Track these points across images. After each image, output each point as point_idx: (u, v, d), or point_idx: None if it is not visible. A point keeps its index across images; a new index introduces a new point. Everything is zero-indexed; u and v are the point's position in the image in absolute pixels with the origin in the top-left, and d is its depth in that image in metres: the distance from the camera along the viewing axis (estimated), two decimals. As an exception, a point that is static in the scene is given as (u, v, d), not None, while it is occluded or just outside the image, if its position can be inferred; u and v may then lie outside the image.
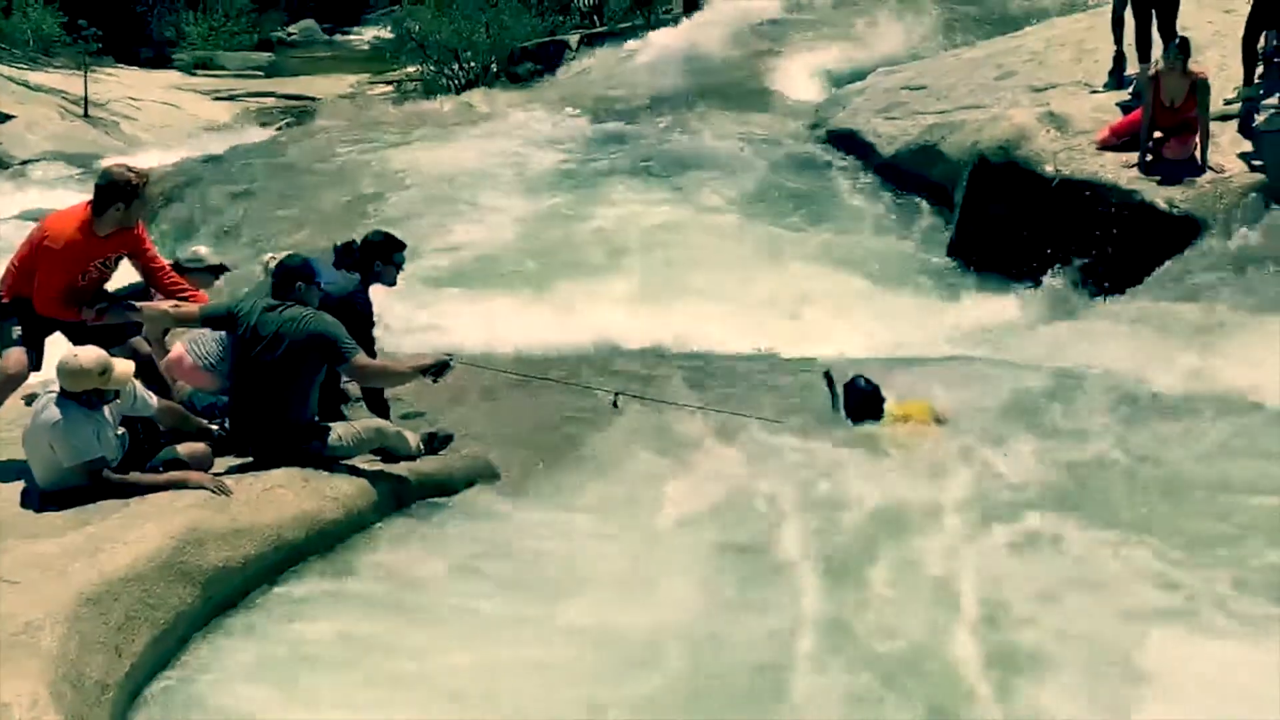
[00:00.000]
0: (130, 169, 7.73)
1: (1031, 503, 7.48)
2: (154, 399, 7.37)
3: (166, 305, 7.81)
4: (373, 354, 8.49)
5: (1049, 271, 11.44)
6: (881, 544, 7.09)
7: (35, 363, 7.71)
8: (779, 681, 5.91)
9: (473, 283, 12.43)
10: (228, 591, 6.44)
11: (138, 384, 7.26)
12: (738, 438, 8.49)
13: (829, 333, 11.14)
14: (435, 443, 8.21)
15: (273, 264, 8.97)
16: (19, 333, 7.66)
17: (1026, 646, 6.10)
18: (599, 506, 7.72)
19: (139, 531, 6.28)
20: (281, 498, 7.00)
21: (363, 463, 7.72)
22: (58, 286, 7.54)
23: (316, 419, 7.61)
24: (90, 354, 6.90)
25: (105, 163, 18.45)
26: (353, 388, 8.50)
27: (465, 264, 12.80)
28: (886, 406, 8.74)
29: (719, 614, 6.47)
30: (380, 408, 8.40)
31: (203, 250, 9.35)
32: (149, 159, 19.33)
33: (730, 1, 23.17)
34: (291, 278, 7.61)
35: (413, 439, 8.00)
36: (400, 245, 8.78)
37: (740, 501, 7.72)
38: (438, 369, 7.67)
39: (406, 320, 11.54)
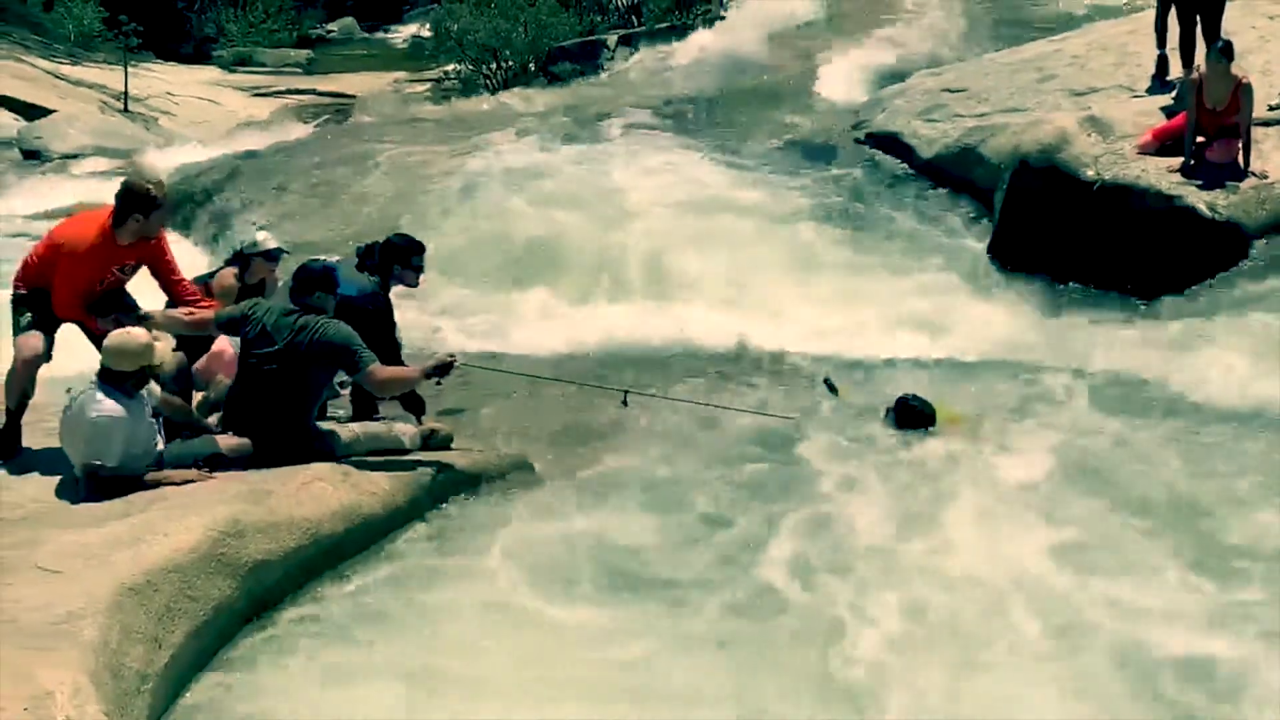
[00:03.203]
0: (150, 181, 7.80)
1: (1066, 513, 7.44)
2: (157, 389, 7.40)
3: (180, 312, 7.85)
4: (398, 355, 8.54)
5: (1090, 276, 11.37)
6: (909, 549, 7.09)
7: (47, 352, 7.74)
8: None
9: (511, 280, 12.45)
10: (267, 584, 6.46)
11: None
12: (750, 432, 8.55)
13: (864, 333, 11.15)
14: (434, 440, 8.19)
15: (263, 241, 9.06)
16: (27, 319, 7.68)
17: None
18: (632, 501, 7.73)
19: (180, 523, 6.30)
20: (321, 491, 7.03)
21: (400, 457, 7.79)
22: (76, 291, 7.61)
23: (315, 421, 7.64)
24: (140, 333, 6.98)
25: (140, 159, 18.73)
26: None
27: (502, 261, 12.81)
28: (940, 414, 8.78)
29: (766, 610, 6.47)
30: (368, 406, 8.41)
31: (260, 235, 9.40)
32: (188, 154, 19.49)
33: (769, 2, 23.10)
34: (310, 284, 7.67)
35: (409, 436, 8.01)
36: (419, 249, 8.82)
37: (760, 492, 7.76)
38: (442, 370, 7.78)
39: (435, 318, 11.60)
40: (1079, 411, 9.02)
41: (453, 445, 8.24)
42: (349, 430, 7.79)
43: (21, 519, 6.65)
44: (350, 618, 6.36)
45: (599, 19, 27.87)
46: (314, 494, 7.00)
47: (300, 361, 7.47)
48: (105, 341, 7.06)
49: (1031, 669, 5.96)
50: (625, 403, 8.95)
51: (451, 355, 8.02)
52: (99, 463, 6.88)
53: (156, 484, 6.97)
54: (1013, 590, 6.57)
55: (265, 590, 6.44)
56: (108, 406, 6.88)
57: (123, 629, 5.48)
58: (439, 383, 7.87)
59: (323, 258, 9.46)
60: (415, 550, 7.07)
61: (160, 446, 7.27)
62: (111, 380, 6.95)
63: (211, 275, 9.15)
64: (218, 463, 7.26)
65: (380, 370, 7.65)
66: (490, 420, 9.19)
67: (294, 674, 5.86)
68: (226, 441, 7.44)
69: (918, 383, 9.54)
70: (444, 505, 7.57)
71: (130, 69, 27.40)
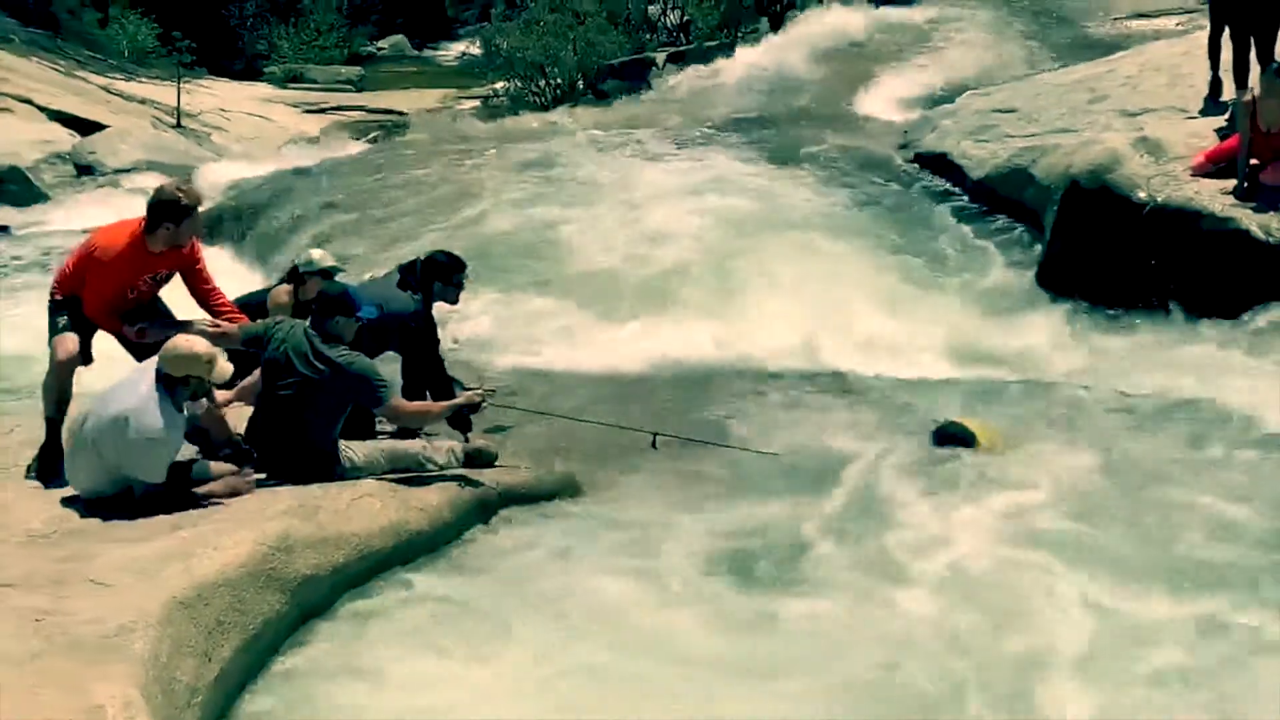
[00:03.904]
0: (180, 189, 7.81)
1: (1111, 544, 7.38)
2: (202, 402, 7.45)
3: (206, 324, 7.85)
4: (442, 371, 8.55)
5: (1141, 298, 11.29)
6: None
7: (84, 357, 7.78)
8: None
9: (558, 296, 12.47)
10: (315, 599, 6.49)
11: None
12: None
13: (912, 353, 11.12)
14: (479, 458, 8.16)
15: (318, 259, 9.10)
16: (64, 322, 7.73)
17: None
18: (679, 522, 7.71)
19: (231, 537, 6.33)
20: (369, 507, 7.06)
21: (449, 474, 7.81)
22: (106, 297, 7.65)
23: (337, 443, 7.62)
24: (204, 342, 7.05)
25: (194, 175, 18.89)
26: None
27: (549, 277, 12.84)
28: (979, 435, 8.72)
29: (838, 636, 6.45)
30: (366, 427, 8.31)
31: (315, 254, 9.44)
32: (239, 170, 19.65)
33: (817, 21, 23.09)
34: (329, 309, 7.64)
35: (443, 455, 7.97)
36: (460, 266, 8.83)
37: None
38: (471, 408, 7.86)
39: (486, 335, 11.63)
40: (1127, 435, 8.93)
41: (497, 463, 8.23)
42: (371, 449, 7.75)
43: (72, 532, 6.70)
44: (396, 632, 6.37)
45: (647, 37, 27.94)
46: (362, 509, 7.04)
47: (317, 390, 7.47)
48: (167, 345, 7.08)
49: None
50: (654, 445, 8.86)
51: (480, 394, 8.06)
52: (148, 480, 6.90)
53: (205, 499, 7.00)
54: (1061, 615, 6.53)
55: (314, 604, 6.47)
56: (155, 423, 6.86)
57: (173, 643, 5.51)
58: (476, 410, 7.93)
59: (368, 275, 9.56)
60: (461, 567, 7.07)
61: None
62: (169, 385, 6.98)
63: (265, 292, 9.21)
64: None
65: (402, 405, 7.70)
66: (534, 438, 9.16)
67: (341, 687, 5.87)
68: (218, 467, 7.38)
69: (964, 403, 9.50)
70: (491, 522, 7.59)
71: (183, 85, 27.63)
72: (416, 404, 7.93)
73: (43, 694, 4.90)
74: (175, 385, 7.01)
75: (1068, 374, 10.43)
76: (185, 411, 7.14)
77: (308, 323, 7.69)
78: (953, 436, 8.72)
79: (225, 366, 7.13)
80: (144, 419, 6.87)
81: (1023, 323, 11.58)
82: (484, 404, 8.10)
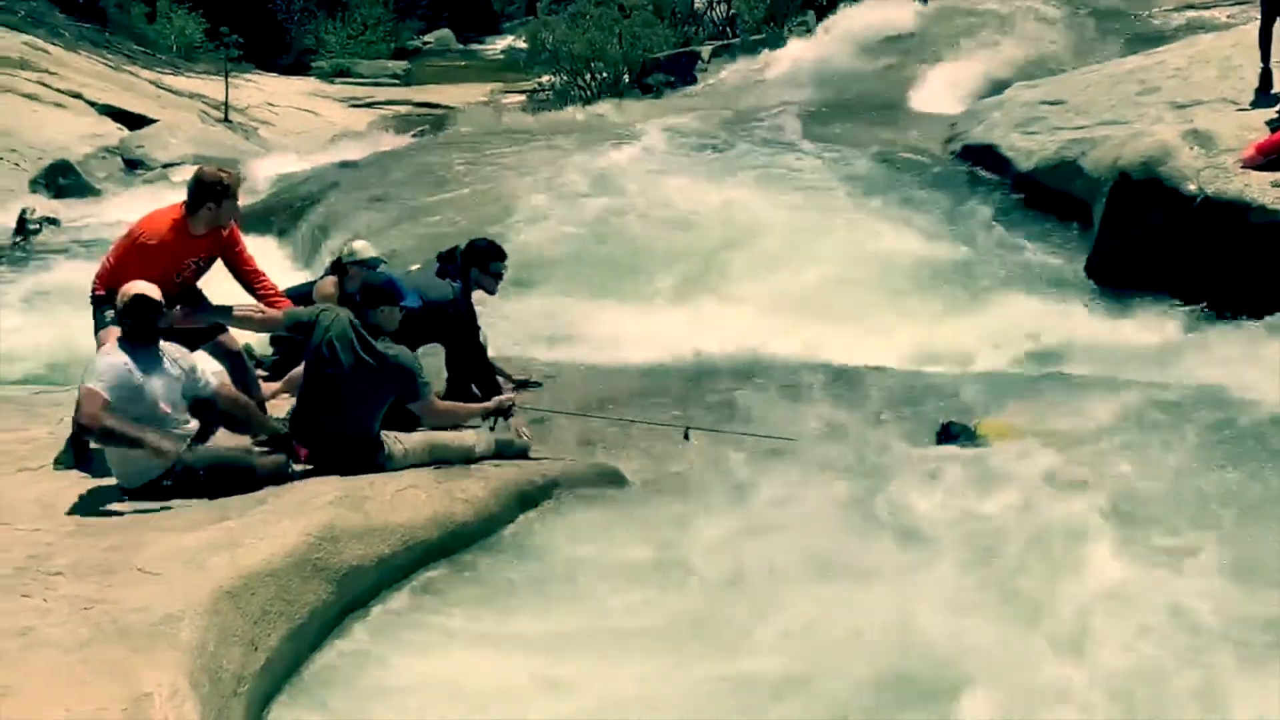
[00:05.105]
0: (221, 170, 7.84)
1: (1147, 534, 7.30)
2: (214, 380, 7.44)
3: (250, 310, 7.90)
4: (484, 359, 8.55)
5: (1190, 291, 11.20)
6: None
7: None
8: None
9: (602, 288, 12.48)
10: (360, 590, 6.50)
11: (200, 364, 7.40)
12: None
13: (956, 347, 11.06)
14: (511, 449, 8.17)
15: (360, 250, 9.13)
16: (110, 315, 7.76)
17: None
18: (720, 512, 7.69)
19: (277, 527, 6.36)
20: (414, 498, 7.08)
21: (493, 465, 7.82)
22: (151, 281, 7.60)
23: (380, 433, 7.63)
24: (142, 283, 7.10)
25: (244, 167, 18.99)
26: None
27: (593, 269, 12.86)
28: (985, 430, 8.63)
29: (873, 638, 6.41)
30: (410, 417, 8.22)
31: (359, 245, 9.47)
32: (286, 164, 19.77)
33: (863, 14, 23.02)
34: (374, 299, 7.63)
35: (482, 446, 7.97)
36: (500, 255, 8.80)
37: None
38: (501, 412, 7.97)
39: (527, 326, 11.64)
40: (1169, 429, 8.82)
41: (542, 455, 8.22)
42: (411, 440, 7.74)
43: (119, 522, 6.74)
44: (442, 622, 6.39)
45: (693, 31, 27.92)
46: (408, 500, 7.05)
47: (359, 380, 7.47)
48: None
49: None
50: (687, 437, 8.75)
51: (511, 399, 8.10)
52: (82, 386, 6.85)
53: (147, 446, 6.85)
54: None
55: (358, 595, 6.48)
56: (112, 353, 6.96)
57: (220, 632, 5.53)
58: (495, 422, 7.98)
59: (413, 266, 9.56)
60: (505, 558, 7.08)
61: (191, 426, 7.21)
62: (127, 335, 7.06)
63: (311, 285, 9.25)
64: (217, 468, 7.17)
65: (437, 404, 7.75)
66: (575, 429, 9.12)
67: (388, 677, 5.89)
68: (263, 461, 7.34)
69: (1005, 398, 9.41)
70: (537, 512, 7.58)
71: (231, 79, 27.83)
72: (448, 404, 7.93)
73: (91, 681, 4.94)
74: (131, 332, 7.05)
75: (1114, 366, 10.33)
76: (161, 361, 7.09)
77: (352, 312, 7.70)
78: (955, 436, 8.63)
79: (147, 288, 7.07)
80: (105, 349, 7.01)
81: (1070, 316, 11.49)
82: (514, 408, 8.11)
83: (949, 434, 8.61)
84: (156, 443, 6.82)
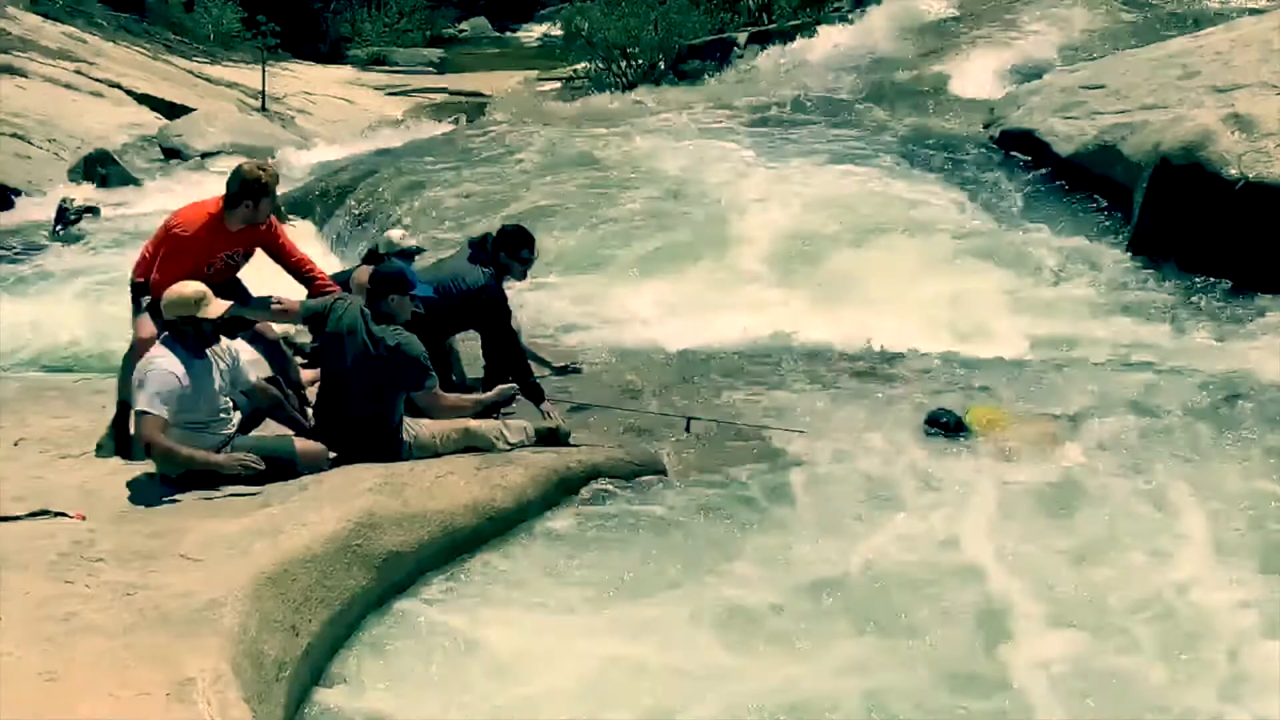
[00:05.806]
0: (260, 167, 7.83)
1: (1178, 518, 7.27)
2: (253, 375, 7.52)
3: (269, 303, 7.88)
4: (516, 344, 8.55)
5: (1232, 276, 11.13)
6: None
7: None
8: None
9: (638, 274, 12.47)
10: (399, 576, 6.53)
11: (243, 355, 7.50)
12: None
13: (994, 333, 10.99)
14: (554, 437, 8.12)
15: (397, 239, 9.16)
16: (147, 302, 7.79)
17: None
18: (761, 501, 7.68)
19: (317, 514, 6.40)
20: (453, 485, 7.10)
21: (531, 452, 7.81)
22: (180, 275, 7.52)
23: (401, 421, 7.62)
24: (194, 284, 7.18)
25: (279, 155, 19.07)
26: None
27: (628, 255, 12.85)
28: (972, 418, 8.59)
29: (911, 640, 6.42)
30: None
31: (395, 234, 9.47)
32: (324, 153, 19.83)
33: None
34: (385, 288, 7.61)
35: (516, 434, 7.96)
36: (529, 241, 8.76)
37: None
38: (504, 402, 7.96)
39: (561, 313, 11.64)
40: (1206, 415, 8.75)
41: (570, 441, 8.21)
42: (442, 428, 7.74)
43: (162, 509, 6.79)
44: (480, 607, 6.40)
45: (730, 17, 27.83)
46: (446, 487, 7.07)
47: (367, 368, 7.46)
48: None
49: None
50: (689, 429, 8.72)
51: (514, 386, 8.09)
52: (139, 409, 6.94)
53: (206, 466, 7.00)
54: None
55: (397, 581, 6.51)
56: (161, 359, 7.02)
57: (262, 617, 5.57)
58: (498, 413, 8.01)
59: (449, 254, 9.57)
60: (543, 544, 7.08)
61: (233, 427, 7.31)
62: (174, 334, 7.13)
63: (349, 274, 9.26)
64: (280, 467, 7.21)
65: (441, 396, 7.70)
66: (614, 417, 9.10)
67: (426, 664, 5.91)
68: (303, 445, 7.41)
69: (1038, 384, 9.37)
70: (575, 500, 7.58)
71: (268, 68, 27.87)
72: (454, 398, 7.92)
73: (135, 667, 4.98)
74: (177, 332, 7.12)
75: (1155, 353, 10.30)
76: (212, 366, 7.20)
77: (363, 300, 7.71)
78: (945, 426, 8.58)
79: (218, 304, 7.17)
80: (154, 356, 7.07)
81: (1110, 302, 11.41)
82: (516, 399, 8.09)
83: (937, 423, 8.59)
84: (216, 463, 7.03)
